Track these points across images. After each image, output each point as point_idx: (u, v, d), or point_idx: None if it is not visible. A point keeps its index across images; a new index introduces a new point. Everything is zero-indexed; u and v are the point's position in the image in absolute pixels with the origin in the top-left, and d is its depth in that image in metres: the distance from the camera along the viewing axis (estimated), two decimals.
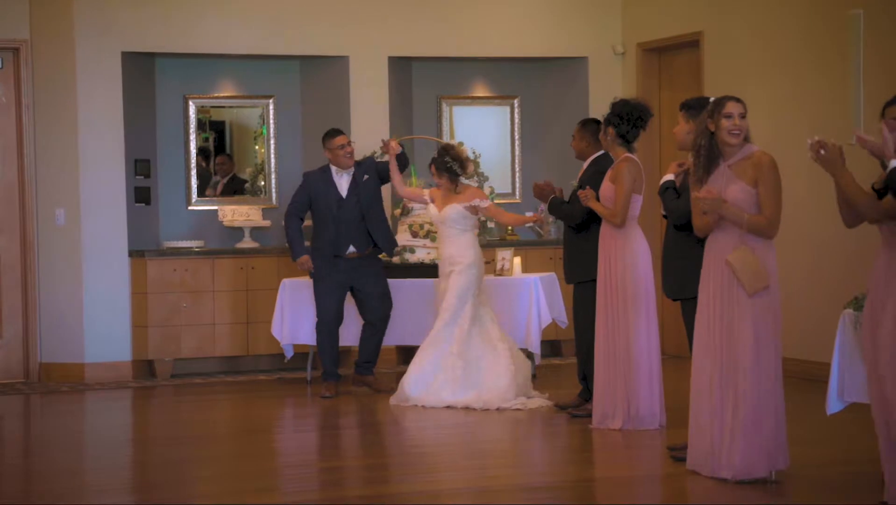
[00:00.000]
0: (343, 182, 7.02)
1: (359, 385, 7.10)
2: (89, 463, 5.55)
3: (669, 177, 5.05)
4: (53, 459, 5.52)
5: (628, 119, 5.70)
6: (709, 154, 4.45)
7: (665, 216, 5.07)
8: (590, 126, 6.18)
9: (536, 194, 6.15)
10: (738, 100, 4.49)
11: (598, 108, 6.07)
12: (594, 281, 5.85)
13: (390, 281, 7.17)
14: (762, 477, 4.43)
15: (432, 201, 6.64)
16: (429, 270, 7.36)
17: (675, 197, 4.96)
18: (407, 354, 7.77)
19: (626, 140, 5.74)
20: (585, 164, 6.17)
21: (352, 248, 6.97)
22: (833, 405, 4.74)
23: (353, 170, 7.04)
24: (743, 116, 4.45)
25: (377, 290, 7.01)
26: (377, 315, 7.01)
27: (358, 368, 7.10)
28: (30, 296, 7.89)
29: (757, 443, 4.40)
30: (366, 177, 7.03)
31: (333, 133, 7.08)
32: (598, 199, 5.73)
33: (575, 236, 6.06)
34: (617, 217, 5.64)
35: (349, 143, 7.07)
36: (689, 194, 4.87)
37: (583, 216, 5.90)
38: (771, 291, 4.43)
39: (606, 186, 5.74)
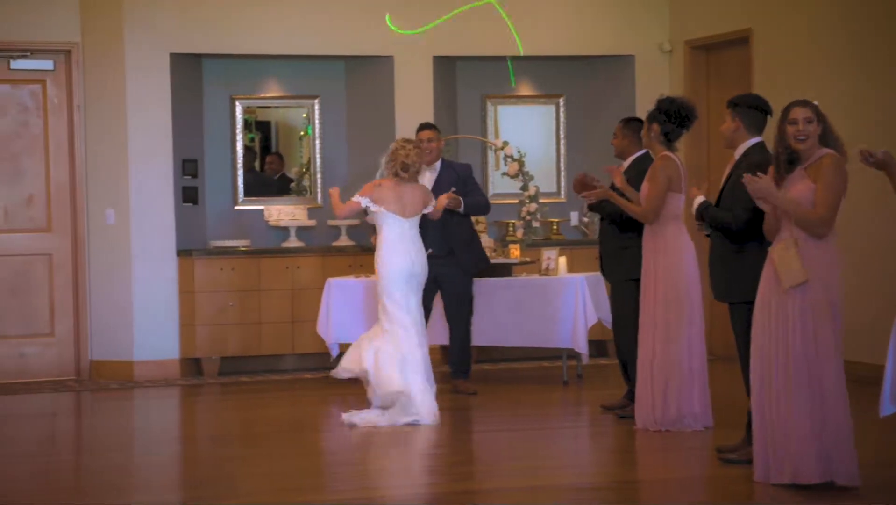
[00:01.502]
0: (424, 180, 6.60)
1: (454, 390, 6.92)
2: (138, 460, 5.61)
3: (700, 198, 4.99)
4: (103, 455, 5.59)
5: (674, 117, 5.64)
6: (787, 158, 4.43)
7: (708, 235, 5.00)
8: (632, 125, 6.13)
9: (577, 189, 6.09)
10: (804, 104, 4.42)
11: (645, 107, 6.00)
12: (634, 281, 5.80)
13: None
14: (815, 483, 4.34)
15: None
16: None
17: (717, 210, 4.90)
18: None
19: (669, 139, 5.68)
20: (626, 164, 6.12)
21: (430, 249, 6.56)
22: (886, 407, 4.64)
23: (438, 168, 6.81)
24: (810, 121, 4.38)
25: (455, 290, 6.82)
26: (451, 316, 6.85)
27: (452, 373, 7.01)
28: (80, 294, 8.00)
29: (812, 448, 4.29)
30: (452, 189, 6.68)
31: (419, 127, 6.92)
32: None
33: (619, 234, 6.01)
34: (647, 215, 5.58)
35: (431, 139, 6.80)
36: (728, 201, 4.82)
37: (623, 214, 5.85)
38: (826, 292, 4.33)
39: (644, 185, 5.69)
